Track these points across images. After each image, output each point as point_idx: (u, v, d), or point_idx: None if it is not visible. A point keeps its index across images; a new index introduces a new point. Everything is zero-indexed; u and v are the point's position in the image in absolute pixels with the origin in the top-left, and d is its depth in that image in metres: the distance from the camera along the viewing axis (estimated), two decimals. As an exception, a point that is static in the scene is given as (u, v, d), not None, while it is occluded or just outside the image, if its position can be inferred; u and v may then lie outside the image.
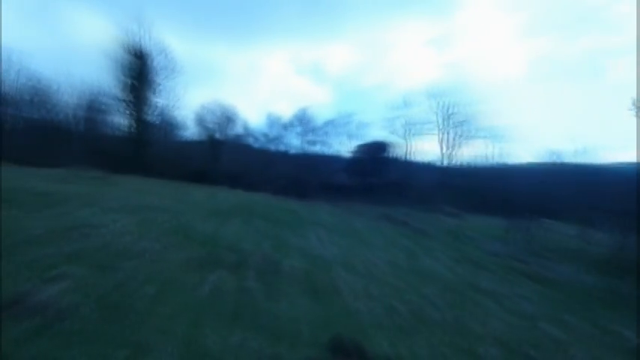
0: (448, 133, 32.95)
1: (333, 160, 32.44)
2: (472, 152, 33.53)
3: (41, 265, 4.89)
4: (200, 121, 29.39)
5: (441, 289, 7.17)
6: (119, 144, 24.72)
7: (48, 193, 9.55)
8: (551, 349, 5.14)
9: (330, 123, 32.83)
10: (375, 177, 28.43)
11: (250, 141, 32.36)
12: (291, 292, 5.58)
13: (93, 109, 25.53)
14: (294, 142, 32.11)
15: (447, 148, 33.01)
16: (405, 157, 33.25)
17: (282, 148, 32.06)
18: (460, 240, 14.10)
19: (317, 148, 32.07)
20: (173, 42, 49.69)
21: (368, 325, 4.81)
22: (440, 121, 33.09)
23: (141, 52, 24.90)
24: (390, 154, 31.90)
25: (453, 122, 32.81)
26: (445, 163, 33.15)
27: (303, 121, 32.12)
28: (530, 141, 54.83)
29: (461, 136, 32.79)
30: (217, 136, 29.25)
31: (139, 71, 24.82)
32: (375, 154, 30.75)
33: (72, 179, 13.36)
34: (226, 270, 6.03)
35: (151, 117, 26.18)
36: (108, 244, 6.30)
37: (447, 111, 32.87)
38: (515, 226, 15.16)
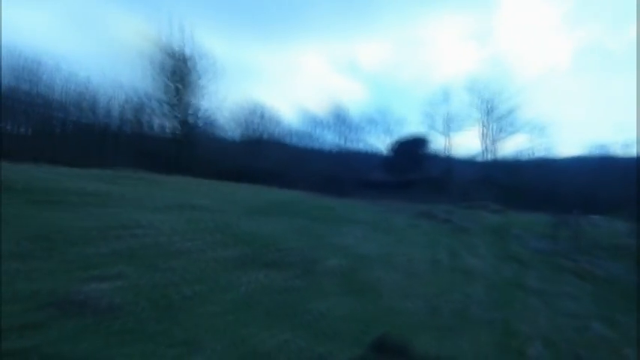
0: (489, 128, 32.64)
1: (371, 157, 32.42)
2: (515, 146, 33.10)
3: (93, 263, 5.11)
4: (240, 120, 30.21)
5: (485, 288, 7.02)
6: (163, 145, 25.79)
7: (97, 193, 10.04)
8: (603, 349, 4.96)
9: (367, 119, 32.79)
10: (414, 173, 28.14)
11: (288, 139, 32.90)
12: (333, 291, 5.58)
13: (138, 111, 26.82)
14: (331, 140, 32.32)
15: (489, 142, 32.66)
16: (445, 153, 32.90)
17: (319, 145, 32.31)
18: (504, 237, 13.78)
19: (354, 145, 32.15)
20: (213, 44, 51.11)
21: (412, 324, 4.75)
22: (481, 115, 32.76)
23: (183, 55, 25.87)
24: (429, 150, 31.48)
25: (495, 116, 32.50)
26: (487, 158, 32.79)
27: (339, 118, 32.25)
28: (575, 134, 52.81)
29: (503, 130, 32.48)
30: (256, 135, 29.92)
31: (181, 74, 25.81)
32: (413, 150, 30.41)
33: (120, 180, 14.00)
34: (270, 268, 6.10)
35: (194, 118, 27.22)
36: (156, 243, 6.52)
37: (488, 105, 32.58)
38: (562, 223, 14.77)
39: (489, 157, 32.64)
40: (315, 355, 3.59)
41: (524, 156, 32.08)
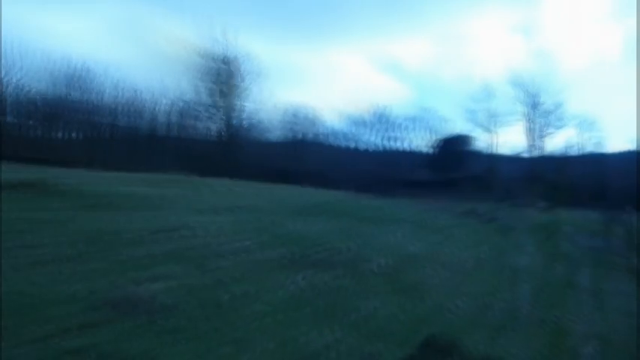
0: (535, 123, 31.88)
1: (415, 156, 32.26)
2: (562, 142, 32.50)
3: (144, 264, 5.34)
4: (283, 122, 30.76)
5: (535, 286, 6.88)
6: (209, 148, 26.62)
7: (146, 196, 10.52)
8: (660, 348, 4.74)
9: (410, 118, 32.61)
10: (459, 171, 27.81)
11: (331, 140, 33.13)
12: (381, 290, 5.57)
13: (183, 115, 27.86)
14: (374, 140, 32.35)
15: (535, 138, 31.95)
16: (489, 150, 32.35)
17: (362, 145, 32.41)
18: (553, 235, 13.50)
19: (397, 145, 32.05)
20: (255, 46, 52.00)
21: (461, 324, 4.68)
22: (526, 110, 31.98)
23: (225, 58, 26.57)
24: (473, 147, 30.96)
25: (541, 111, 31.67)
26: (533, 154, 32.09)
27: (382, 118, 32.24)
28: (625, 128, 49.81)
29: (549, 125, 31.71)
30: (301, 136, 30.37)
31: (224, 77, 26.52)
32: (457, 148, 30.06)
33: (167, 183, 14.55)
34: (316, 268, 6.16)
35: (238, 120, 27.94)
36: (204, 244, 6.78)
37: (534, 99, 31.71)
38: (613, 220, 14.35)
39: (536, 153, 32.07)
40: (364, 355, 3.59)
41: (572, 151, 31.60)
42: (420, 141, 32.54)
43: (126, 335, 3.37)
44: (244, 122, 28.45)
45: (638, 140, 31.49)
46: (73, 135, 25.44)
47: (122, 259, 5.49)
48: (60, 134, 24.82)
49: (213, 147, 26.59)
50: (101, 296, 4.11)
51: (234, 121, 27.51)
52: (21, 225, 6.54)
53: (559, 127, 31.40)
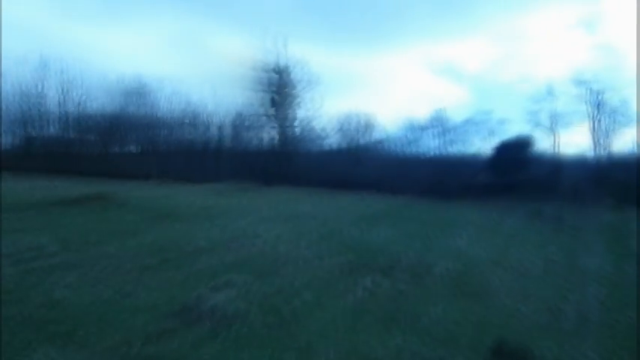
0: (600, 122, 30.50)
1: (475, 160, 31.51)
2: (629, 140, 31.26)
3: (207, 273, 5.59)
4: (340, 129, 31.10)
5: (607, 289, 6.55)
6: (265, 157, 27.36)
7: (205, 207, 11.05)
8: None
9: (468, 121, 32.00)
10: (521, 174, 26.92)
11: (389, 146, 32.98)
12: (445, 295, 5.55)
13: (238, 126, 28.90)
14: (432, 144, 31.98)
15: (600, 137, 30.60)
16: (553, 151, 31.38)
17: (420, 150, 32.11)
18: (623, 235, 12.79)
19: (457, 149, 31.55)
20: (310, 54, 52.88)
21: (529, 328, 4.59)
22: (590, 109, 30.55)
23: (280, 66, 27.25)
24: (536, 149, 29.88)
25: (606, 109, 30.23)
26: (598, 154, 30.65)
27: (440, 121, 31.84)
28: None
29: (615, 123, 30.08)
30: (357, 143, 30.56)
31: (278, 86, 27.19)
32: (518, 150, 29.11)
33: (226, 193, 15.19)
34: (379, 274, 6.21)
35: (293, 129, 28.53)
36: (265, 252, 7.04)
37: (599, 97, 30.20)
38: None
39: (601, 152, 30.57)
40: None
41: (641, 150, 29.57)
42: (481, 144, 31.98)
43: (196, 343, 3.54)
44: (301, 131, 28.98)
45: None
46: (132, 149, 27.11)
47: (190, 268, 5.81)
48: (119, 148, 26.53)
49: (271, 156, 27.23)
50: (172, 305, 4.37)
51: (291, 130, 28.07)
52: (93, 237, 7.15)
53: (625, 125, 29.88)
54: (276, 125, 27.89)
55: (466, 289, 5.87)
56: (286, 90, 27.45)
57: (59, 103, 24.29)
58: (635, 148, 29.40)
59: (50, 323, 3.74)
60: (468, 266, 7.17)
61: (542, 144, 31.01)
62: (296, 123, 28.47)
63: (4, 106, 23.35)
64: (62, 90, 24.35)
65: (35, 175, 17.59)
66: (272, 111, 27.46)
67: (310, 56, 48.40)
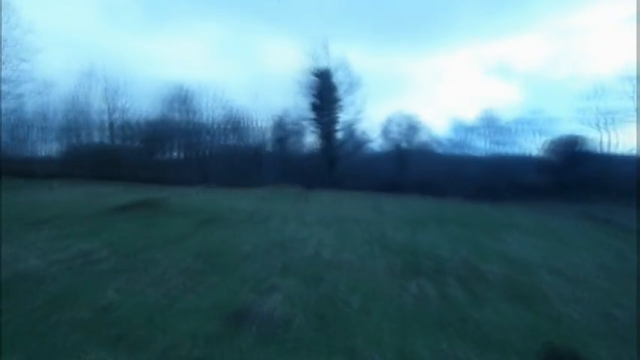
0: None
1: (524, 160, 31.39)
2: None
3: (253, 278, 5.69)
4: (386, 132, 31.06)
5: None
6: (308, 161, 27.65)
7: (251, 211, 11.31)
8: None
9: (517, 122, 31.56)
10: (570, 174, 26.52)
11: (438, 148, 32.86)
12: (494, 298, 5.53)
13: (283, 130, 29.37)
14: (480, 145, 31.55)
15: None
16: (604, 150, 29.97)
17: (470, 152, 31.73)
18: None
19: (505, 149, 31.10)
20: (357, 56, 53.03)
21: (582, 333, 4.50)
22: None
23: (323, 71, 27.53)
24: (585, 149, 28.78)
25: None
26: None
27: (489, 122, 31.46)
28: None
29: None
30: (403, 145, 30.45)
31: (321, 89, 27.46)
32: (568, 150, 28.38)
33: (271, 197, 15.49)
34: (426, 278, 6.26)
35: (338, 133, 28.72)
36: (311, 256, 7.15)
37: None
38: None
39: None
40: None
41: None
42: (530, 144, 31.33)
43: (244, 348, 3.60)
44: (344, 134, 29.15)
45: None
46: (176, 155, 27.99)
47: (239, 273, 5.96)
48: (163, 155, 27.45)
49: (314, 161, 27.52)
50: (219, 309, 4.46)
51: (333, 134, 28.28)
52: (141, 242, 7.43)
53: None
54: (318, 129, 28.13)
55: (515, 294, 5.84)
56: (329, 93, 27.64)
57: (105, 111, 25.43)
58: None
59: (101, 326, 3.88)
60: (517, 270, 7.14)
61: (593, 143, 30.04)
62: (339, 126, 28.64)
63: (51, 115, 24.70)
64: (108, 98, 25.47)
65: (82, 182, 18.46)
66: (314, 115, 27.72)
67: (355, 58, 48.64)
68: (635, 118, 29.13)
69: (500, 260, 7.74)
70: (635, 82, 28.54)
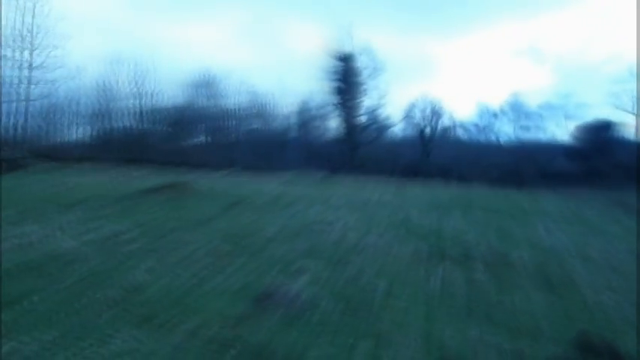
0: None
1: (551, 146, 30.56)
2: None
3: (280, 260, 5.73)
4: (409, 116, 30.74)
5: None
6: (333, 146, 27.61)
7: (276, 195, 11.38)
8: None
9: (546, 106, 30.52)
10: (601, 160, 25.66)
11: (463, 133, 32.43)
12: (523, 285, 5.48)
13: (306, 115, 29.33)
14: (507, 131, 30.92)
15: None
16: (635, 136, 28.44)
17: (496, 137, 31.18)
18: None
19: (532, 135, 30.33)
20: (380, 39, 52.16)
21: (616, 322, 4.42)
22: None
23: (347, 55, 27.27)
24: (617, 134, 27.73)
25: None
26: None
27: (516, 107, 30.69)
28: None
29: None
30: (427, 130, 30.13)
31: (344, 74, 27.25)
32: (599, 135, 27.46)
33: (294, 182, 15.55)
34: (452, 263, 6.22)
35: (361, 117, 28.53)
36: (337, 240, 7.13)
37: None
38: None
39: None
40: (509, 352, 3.56)
41: None
42: (559, 130, 30.51)
43: (272, 329, 3.63)
44: (370, 119, 28.95)
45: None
46: (201, 139, 28.22)
47: (265, 255, 6.01)
48: (189, 139, 27.70)
49: (338, 145, 27.48)
50: (247, 291, 4.52)
51: (356, 118, 28.13)
52: (169, 224, 7.52)
53: None
54: (342, 114, 27.99)
55: (545, 281, 5.78)
56: (352, 78, 27.43)
57: (133, 96, 25.73)
58: None
59: (133, 306, 3.94)
60: (546, 257, 7.04)
61: (624, 128, 29.01)
62: (362, 111, 28.45)
63: (82, 100, 25.14)
64: (135, 83, 25.74)
65: (112, 166, 18.77)
66: (338, 99, 27.58)
67: (379, 41, 47.82)
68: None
69: (529, 247, 7.62)
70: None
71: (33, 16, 21.15)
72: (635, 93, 28.81)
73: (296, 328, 3.73)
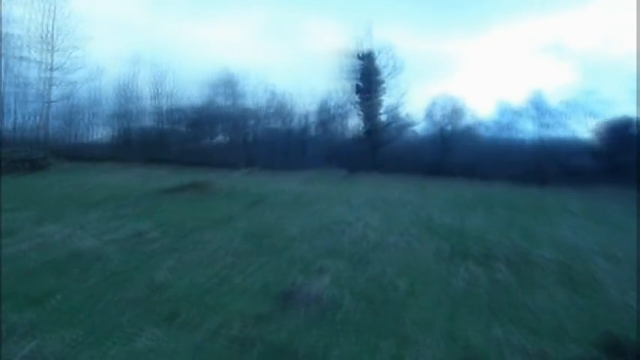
0: None
1: (574, 144, 30.18)
2: None
3: (301, 260, 5.72)
4: (430, 115, 30.61)
5: None
6: (353, 145, 27.60)
7: (296, 194, 11.40)
8: None
9: (569, 103, 30.14)
10: (624, 158, 25.20)
11: (484, 131, 32.13)
12: (546, 284, 5.38)
13: (326, 114, 29.37)
14: (528, 128, 30.64)
15: None
16: None
17: (518, 135, 30.98)
18: None
19: (554, 132, 29.95)
20: (400, 37, 51.89)
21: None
22: None
23: (367, 53, 27.22)
24: None
25: None
26: None
27: (537, 104, 30.35)
28: None
29: None
30: (448, 128, 30.00)
31: (366, 73, 27.20)
32: (621, 133, 27.15)
33: (316, 180, 15.59)
34: (474, 262, 6.14)
35: (381, 116, 28.48)
36: (358, 239, 7.10)
37: None
38: None
39: None
40: (533, 353, 3.50)
41: None
42: (581, 127, 30.13)
43: (293, 328, 3.61)
44: (387, 117, 28.90)
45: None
46: (221, 139, 28.43)
47: (287, 254, 6.00)
48: (209, 139, 27.93)
49: (358, 144, 27.48)
50: (267, 290, 4.50)
51: (376, 117, 28.09)
52: (190, 223, 7.57)
53: None
54: (362, 112, 27.99)
55: (569, 280, 5.68)
56: (372, 76, 27.38)
57: (153, 96, 26.07)
58: None
59: (154, 305, 3.96)
60: (570, 256, 6.92)
61: None
62: (382, 110, 28.39)
63: (102, 101, 25.59)
64: (155, 84, 26.08)
65: (132, 165, 19.06)
66: (358, 98, 27.58)
67: (398, 40, 47.61)
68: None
69: (553, 245, 7.51)
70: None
71: (53, 19, 21.57)
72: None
73: (318, 327, 3.70)
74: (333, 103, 29.14)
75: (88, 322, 3.54)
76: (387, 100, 28.22)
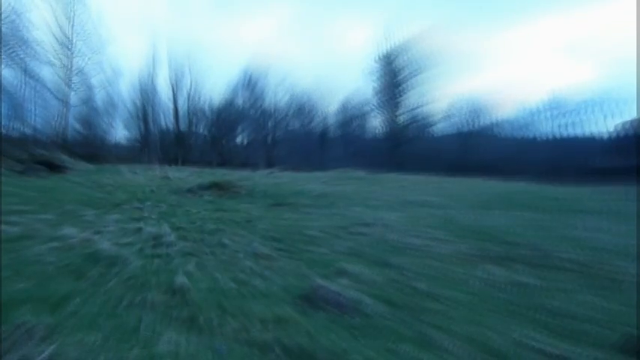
0: None
1: (593, 142, 30.65)
2: None
3: (321, 262, 5.73)
4: (450, 115, 30.71)
5: None
6: (375, 144, 27.67)
7: (317, 195, 11.48)
8: None
9: (588, 102, 30.10)
10: None
11: (506, 130, 32.43)
12: (568, 286, 5.26)
13: (348, 113, 29.50)
14: (547, 128, 30.62)
15: None
16: None
17: (538, 134, 30.96)
18: None
19: (577, 131, 30.02)
20: (422, 40, 51.85)
21: None
22: None
23: (389, 54, 27.31)
24: None
25: None
26: None
27: (556, 103, 30.43)
28: None
29: None
30: (472, 127, 30.07)
31: (388, 73, 27.29)
32: None
33: (336, 181, 15.63)
34: (494, 263, 6.08)
35: (403, 115, 28.53)
36: (381, 240, 7.13)
37: None
38: None
39: None
40: (555, 356, 3.44)
41: None
42: (600, 126, 29.85)
43: (306, 331, 3.61)
44: (413, 117, 28.97)
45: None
46: (242, 139, 28.68)
47: (304, 256, 6.02)
48: (230, 139, 28.19)
49: (380, 143, 27.58)
50: (287, 293, 4.52)
51: (402, 116, 28.17)
52: (208, 225, 7.66)
53: None
54: (384, 112, 28.12)
55: (592, 280, 5.57)
56: (394, 77, 27.52)
57: (173, 97, 26.40)
58: None
59: (172, 309, 3.98)
60: (591, 256, 6.78)
61: None
62: (403, 109, 28.46)
63: (121, 103, 26.05)
64: (175, 85, 26.41)
65: (151, 167, 19.34)
66: (380, 98, 27.71)
67: (420, 41, 47.51)
68: None
69: (572, 245, 7.38)
70: None
71: (73, 23, 22.04)
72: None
73: (338, 330, 3.70)
74: (355, 103, 29.35)
75: (106, 326, 3.57)
76: (407, 100, 28.32)
